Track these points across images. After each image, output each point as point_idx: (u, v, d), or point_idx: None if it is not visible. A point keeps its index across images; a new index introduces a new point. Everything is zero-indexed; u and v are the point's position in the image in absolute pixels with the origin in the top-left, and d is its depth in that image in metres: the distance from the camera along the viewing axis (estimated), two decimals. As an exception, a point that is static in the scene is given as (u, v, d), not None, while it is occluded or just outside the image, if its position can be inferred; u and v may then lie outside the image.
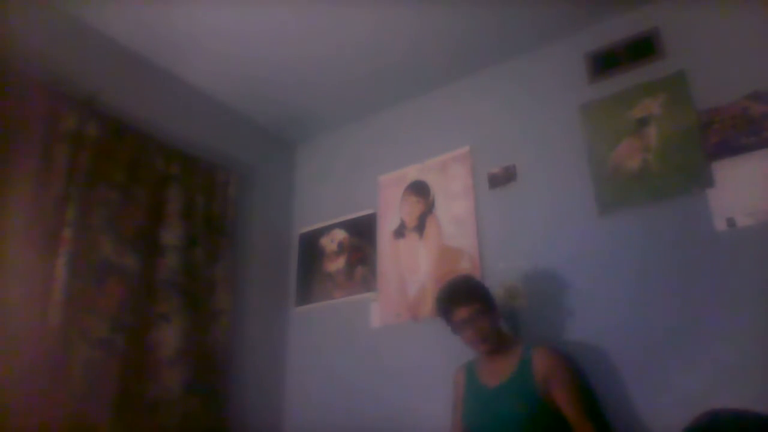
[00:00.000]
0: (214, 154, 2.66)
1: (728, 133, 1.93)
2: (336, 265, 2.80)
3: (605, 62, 2.29)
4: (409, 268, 2.54)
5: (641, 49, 2.21)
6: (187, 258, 2.36)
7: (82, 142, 2.06)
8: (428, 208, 2.59)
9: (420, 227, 2.58)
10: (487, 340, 1.85)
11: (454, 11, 2.26)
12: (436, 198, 2.59)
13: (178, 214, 2.36)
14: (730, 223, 1.84)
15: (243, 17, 2.27)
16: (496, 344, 1.86)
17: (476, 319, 1.84)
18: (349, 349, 2.58)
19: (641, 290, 1.94)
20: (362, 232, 2.77)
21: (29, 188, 1.88)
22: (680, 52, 2.12)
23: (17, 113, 1.91)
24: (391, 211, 2.72)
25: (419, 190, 2.66)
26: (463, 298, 1.87)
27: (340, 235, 2.85)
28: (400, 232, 2.64)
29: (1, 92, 1.88)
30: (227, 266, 2.53)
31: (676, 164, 2.00)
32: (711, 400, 1.53)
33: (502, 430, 1.74)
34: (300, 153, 3.24)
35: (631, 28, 2.26)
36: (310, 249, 2.93)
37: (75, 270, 1.93)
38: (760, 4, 1.99)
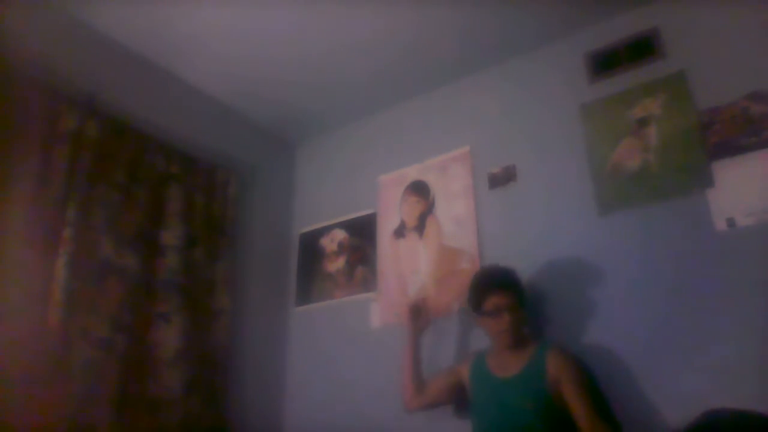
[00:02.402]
0: (214, 154, 2.66)
1: (728, 133, 1.93)
2: (336, 265, 2.80)
3: (605, 62, 2.29)
4: (409, 268, 2.54)
5: (641, 49, 2.21)
6: (187, 258, 2.36)
7: (82, 142, 2.06)
8: (428, 208, 2.59)
9: (420, 227, 2.58)
10: (514, 333, 1.86)
11: (454, 11, 2.26)
12: (436, 198, 2.59)
13: (178, 214, 2.36)
14: (730, 223, 1.84)
15: (243, 17, 2.27)
16: (518, 338, 1.88)
17: (511, 308, 1.85)
18: (349, 349, 2.58)
19: (641, 290, 1.94)
20: (362, 232, 2.77)
21: (29, 188, 1.89)
22: (680, 52, 2.12)
23: (17, 113, 1.91)
24: (391, 211, 2.72)
25: (419, 190, 2.66)
26: (503, 285, 1.88)
27: (340, 235, 2.85)
28: (400, 232, 2.64)
29: (1, 92, 1.88)
30: (227, 266, 2.53)
31: (676, 164, 2.00)
32: (711, 400, 1.53)
33: (508, 420, 1.75)
34: (300, 153, 3.24)
35: (631, 28, 2.26)
36: (310, 249, 2.93)
37: (75, 270, 1.93)
38: (760, 4, 1.99)
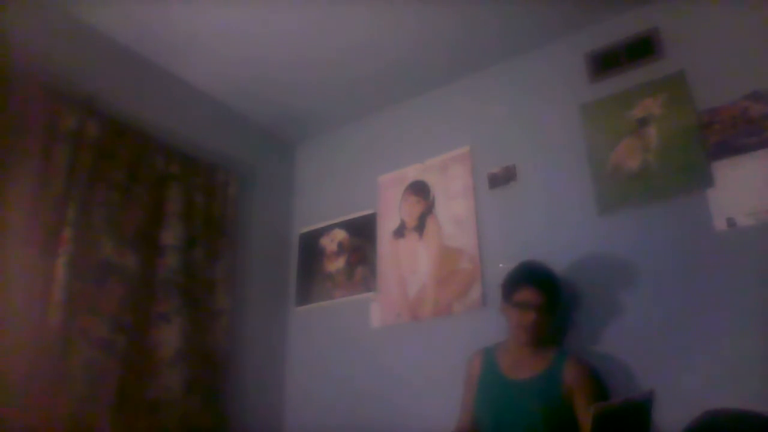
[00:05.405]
0: (214, 154, 2.66)
1: (728, 133, 1.93)
2: (336, 265, 2.80)
3: (605, 62, 2.29)
4: (409, 268, 2.54)
5: (641, 49, 2.21)
6: (187, 258, 2.36)
7: (82, 142, 2.06)
8: (428, 208, 2.59)
9: (420, 227, 2.58)
10: (534, 333, 1.84)
11: (454, 11, 2.26)
12: (436, 198, 2.58)
13: (178, 214, 2.36)
14: (730, 223, 1.84)
15: (243, 17, 2.27)
16: (535, 340, 1.86)
17: (539, 309, 1.83)
18: (349, 349, 2.58)
19: (641, 290, 1.94)
20: (362, 232, 2.77)
21: (29, 188, 1.88)
22: (680, 52, 2.12)
23: (17, 113, 1.91)
24: (391, 211, 2.71)
25: (419, 190, 2.66)
26: (540, 283, 1.86)
27: (340, 235, 2.85)
28: (400, 232, 2.64)
29: (1, 92, 1.88)
30: (227, 266, 2.53)
31: (676, 164, 2.00)
32: (711, 400, 1.53)
33: (515, 422, 1.75)
34: (300, 153, 3.24)
35: (631, 28, 2.26)
36: (310, 249, 2.93)
37: (75, 270, 1.93)
38: (760, 4, 1.99)
